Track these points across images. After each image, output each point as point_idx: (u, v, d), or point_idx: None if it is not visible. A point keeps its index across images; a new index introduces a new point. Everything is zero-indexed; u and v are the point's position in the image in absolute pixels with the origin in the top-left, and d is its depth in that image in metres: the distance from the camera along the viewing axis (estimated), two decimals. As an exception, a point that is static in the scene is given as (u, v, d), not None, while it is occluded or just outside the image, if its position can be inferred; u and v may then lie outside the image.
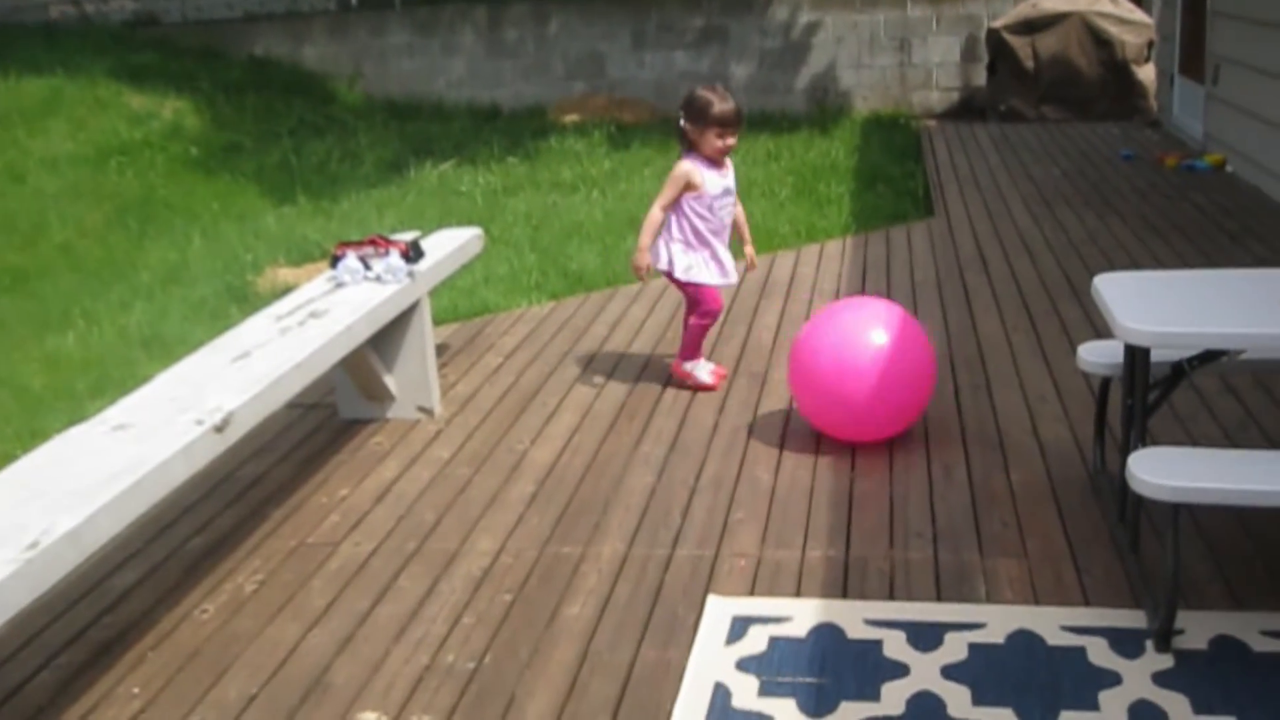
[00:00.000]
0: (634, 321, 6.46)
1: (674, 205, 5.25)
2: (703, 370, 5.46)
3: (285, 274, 8.19)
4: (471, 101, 14.07)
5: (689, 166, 5.19)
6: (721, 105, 5.09)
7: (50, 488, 3.25)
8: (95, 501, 3.14)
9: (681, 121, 5.23)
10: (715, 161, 5.22)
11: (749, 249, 5.56)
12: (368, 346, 4.82)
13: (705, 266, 5.29)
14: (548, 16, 14.10)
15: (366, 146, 11.96)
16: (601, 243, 8.23)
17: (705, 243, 5.26)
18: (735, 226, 5.45)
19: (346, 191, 10.52)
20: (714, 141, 5.15)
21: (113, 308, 7.97)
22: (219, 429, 3.62)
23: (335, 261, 5.00)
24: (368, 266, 4.95)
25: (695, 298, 5.37)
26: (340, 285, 4.92)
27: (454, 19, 14.18)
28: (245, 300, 7.74)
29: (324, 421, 5.29)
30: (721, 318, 6.08)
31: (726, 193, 5.26)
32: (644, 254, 5.30)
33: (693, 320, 5.40)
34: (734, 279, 5.41)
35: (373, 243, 5.02)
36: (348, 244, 5.07)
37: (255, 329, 4.49)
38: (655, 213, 5.28)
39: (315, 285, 4.98)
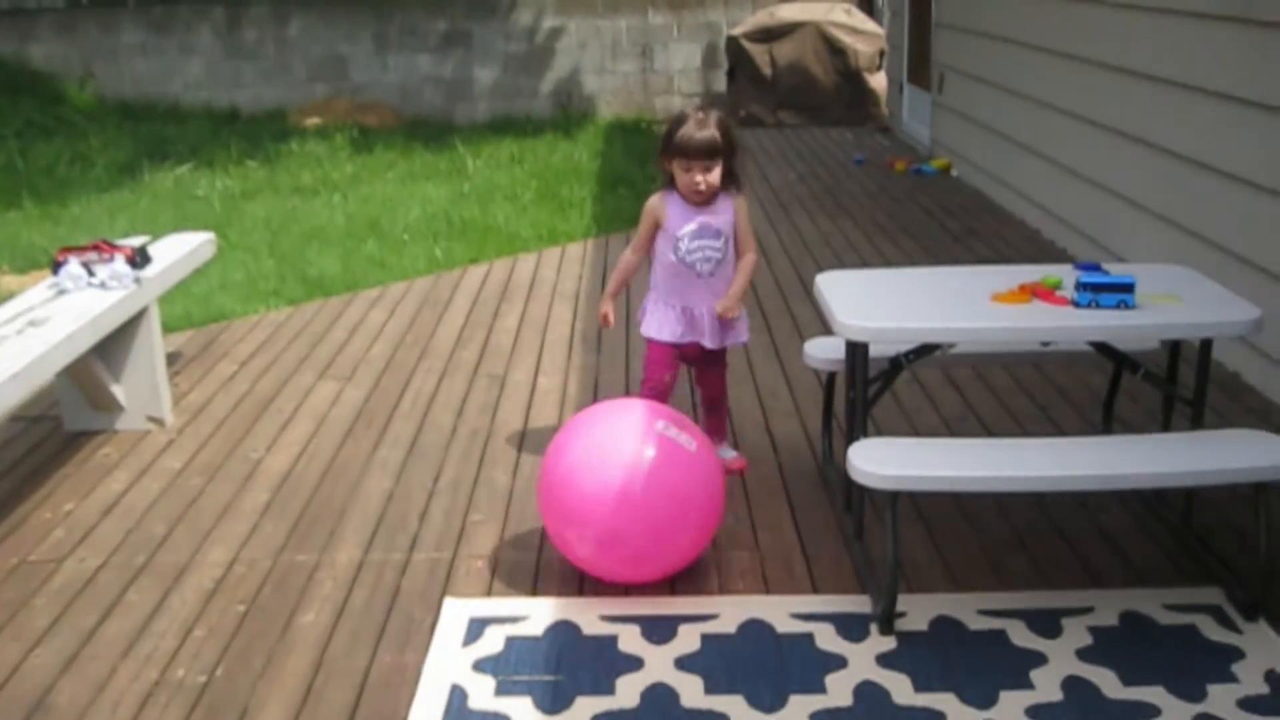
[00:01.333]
0: (373, 326, 6.40)
1: (647, 246, 4.48)
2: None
3: (9, 282, 7.83)
4: (210, 103, 13.71)
5: (655, 200, 4.39)
6: (686, 131, 4.21)
7: None
8: None
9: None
10: (691, 199, 4.32)
11: (725, 301, 4.36)
12: (93, 355, 4.66)
13: (656, 317, 4.44)
14: (288, 17, 13.83)
15: (98, 149, 11.53)
16: (342, 247, 8.12)
17: (673, 292, 4.39)
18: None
19: (76, 196, 10.13)
20: (680, 174, 4.28)
21: None
22: (-74, 444, 3.46)
23: (57, 268, 4.82)
24: (91, 273, 4.79)
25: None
26: (63, 292, 4.74)
27: (191, 18, 13.79)
28: (-36, 310, 7.38)
29: (49, 434, 5.09)
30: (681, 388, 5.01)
31: (701, 234, 4.30)
32: (606, 300, 4.57)
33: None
34: (698, 339, 4.41)
35: (96, 248, 4.86)
36: (70, 249, 4.90)
37: (-32, 339, 4.29)
38: (625, 255, 4.58)
39: (35, 293, 4.79)
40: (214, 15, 13.81)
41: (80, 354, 4.44)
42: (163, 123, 12.78)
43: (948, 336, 3.84)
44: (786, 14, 13.15)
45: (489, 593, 3.80)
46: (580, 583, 3.85)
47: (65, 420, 5.10)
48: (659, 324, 4.41)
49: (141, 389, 5.00)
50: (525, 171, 10.60)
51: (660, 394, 4.44)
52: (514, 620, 3.64)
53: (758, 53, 13.07)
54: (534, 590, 3.80)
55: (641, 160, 10.91)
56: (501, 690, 3.32)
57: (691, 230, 4.30)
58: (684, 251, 4.32)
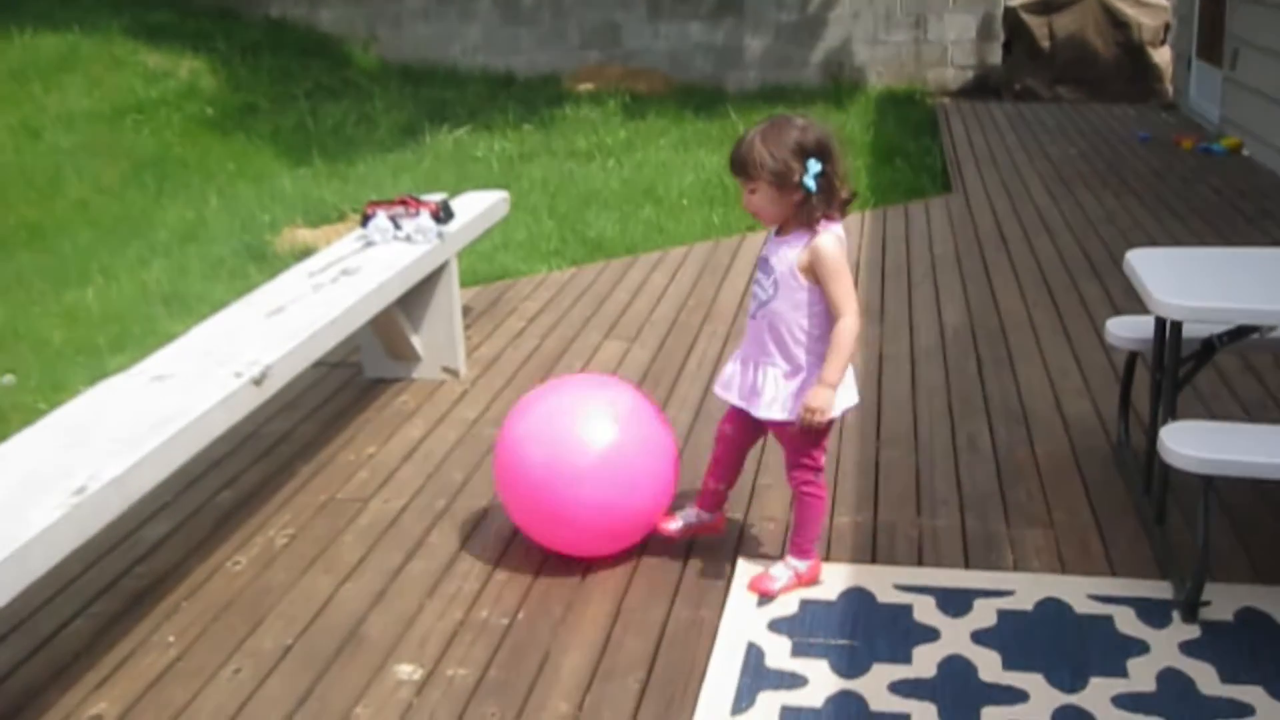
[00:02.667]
0: (655, 288, 6.47)
1: None
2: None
3: (303, 235, 8.20)
4: (486, 68, 14.04)
5: None
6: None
7: (94, 435, 3.28)
8: (139, 450, 3.17)
9: None
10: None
11: (809, 396, 3.46)
12: (396, 306, 4.83)
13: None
14: (565, -16, 14.06)
15: (382, 111, 11.94)
16: (619, 211, 8.23)
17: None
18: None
19: (362, 155, 10.52)
20: None
21: (131, 264, 7.97)
22: (257, 382, 3.65)
23: (366, 220, 5.01)
24: (398, 226, 4.97)
25: None
26: (370, 244, 4.93)
27: (471, -15, 14.14)
28: (264, 260, 7.76)
29: (349, 380, 5.31)
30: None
31: (761, 264, 3.58)
32: None
33: None
34: (728, 397, 3.67)
35: (403, 202, 5.03)
36: (378, 203, 5.08)
37: (288, 285, 4.50)
38: None
39: (345, 243, 4.99)
40: (494, -18, 14.14)
41: (388, 304, 4.61)
42: (442, 86, 13.13)
43: (1271, 319, 3.68)
44: (1069, -15, 12.75)
45: (780, 555, 3.80)
46: (872, 550, 3.83)
47: (365, 367, 5.32)
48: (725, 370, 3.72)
49: (439, 341, 5.16)
50: (797, 141, 10.53)
51: (718, 449, 3.81)
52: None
53: (1036, 25, 12.72)
54: (826, 556, 3.80)
55: (915, 133, 10.75)
56: (797, 651, 3.33)
57: (759, 259, 3.63)
58: (754, 289, 3.63)
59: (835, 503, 4.12)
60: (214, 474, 4.50)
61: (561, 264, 7.05)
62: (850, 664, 3.28)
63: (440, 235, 4.93)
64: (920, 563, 3.77)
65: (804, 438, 3.54)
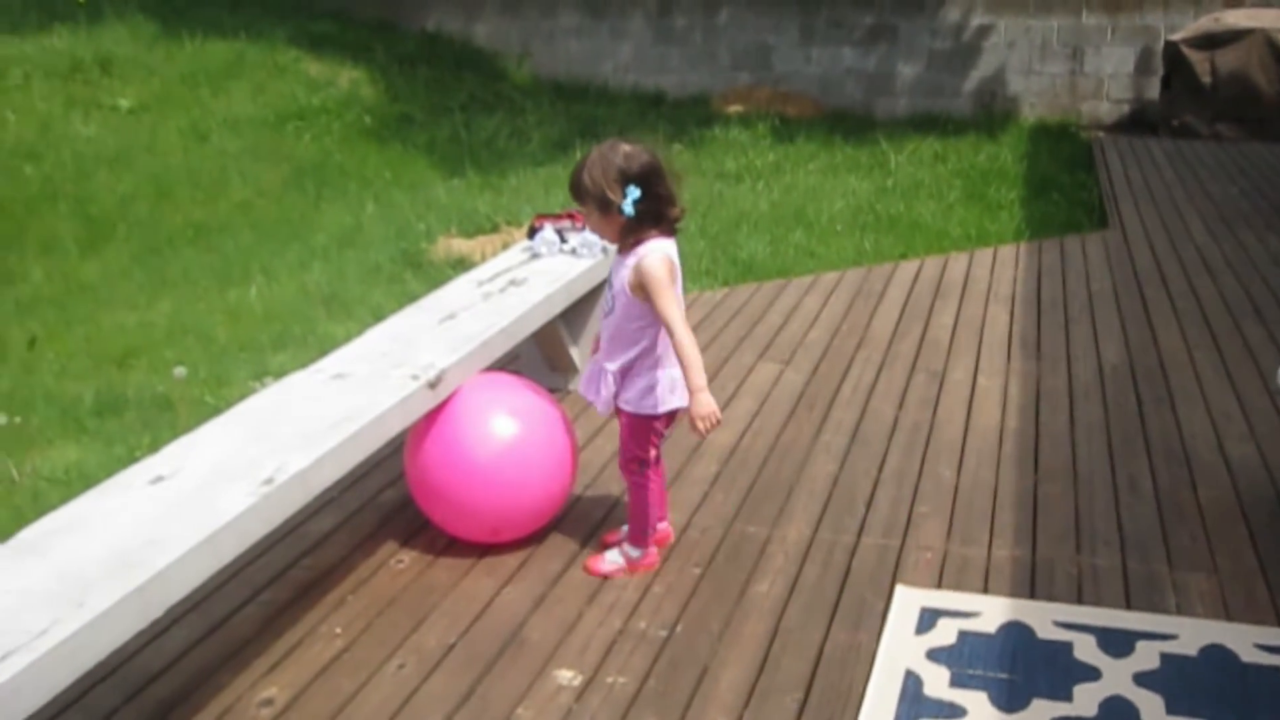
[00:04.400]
0: (808, 312, 6.49)
1: None
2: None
3: (458, 244, 8.35)
4: (636, 86, 14.15)
5: None
6: None
7: (277, 430, 3.39)
8: (322, 445, 3.27)
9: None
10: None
11: (693, 403, 3.69)
12: (559, 318, 4.91)
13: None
14: (718, 6, 14.11)
15: (534, 125, 12.10)
16: (770, 233, 8.26)
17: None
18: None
19: (514, 168, 10.67)
20: None
21: (291, 265, 8.19)
22: (432, 385, 3.73)
23: (533, 233, 5.10)
24: (564, 239, 5.05)
25: None
26: (536, 256, 5.02)
27: (624, 4, 14.26)
28: (419, 267, 7.91)
29: (507, 388, 5.40)
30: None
31: (608, 283, 3.89)
32: None
33: None
34: (584, 394, 3.96)
35: (570, 216, 5.11)
36: (545, 216, 5.17)
37: (458, 292, 4.60)
38: None
39: (512, 254, 5.08)
40: (646, 2, 14.24)
41: (553, 316, 4.69)
42: (593, 103, 13.28)
43: None
44: (1233, 20, 12.48)
45: (939, 584, 3.80)
46: (1031, 585, 3.80)
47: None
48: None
49: (597, 353, 5.22)
50: (948, 170, 10.49)
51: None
52: (966, 615, 3.64)
53: (1197, 60, 12.46)
54: (984, 588, 3.78)
55: (1070, 166, 10.62)
56: (956, 682, 3.32)
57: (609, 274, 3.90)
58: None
59: (993, 536, 4.10)
60: (377, 473, 4.60)
61: (713, 284, 7.09)
62: (1010, 698, 3.26)
63: (604, 250, 5.00)
64: (1080, 600, 3.73)
65: (633, 433, 3.85)
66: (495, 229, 8.68)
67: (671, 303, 3.62)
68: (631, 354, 3.75)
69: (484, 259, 7.62)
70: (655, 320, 3.68)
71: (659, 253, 3.63)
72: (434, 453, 3.87)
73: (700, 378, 3.64)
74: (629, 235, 3.66)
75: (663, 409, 3.78)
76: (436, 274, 7.62)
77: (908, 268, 7.33)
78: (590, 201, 3.63)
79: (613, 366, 3.79)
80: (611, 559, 3.95)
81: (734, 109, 13.36)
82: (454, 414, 3.89)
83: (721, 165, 10.83)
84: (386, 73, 12.83)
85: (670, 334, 3.64)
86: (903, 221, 8.56)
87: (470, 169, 10.65)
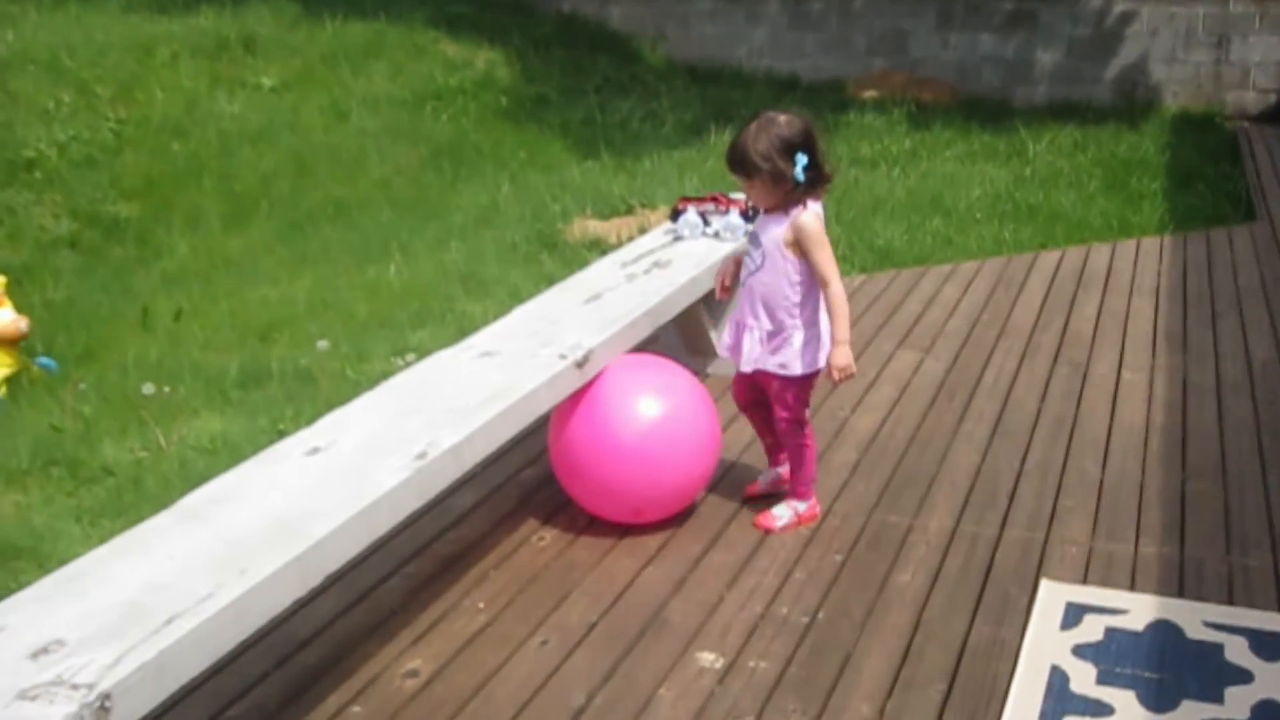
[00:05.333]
0: (947, 301, 6.42)
1: None
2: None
3: (593, 226, 8.38)
4: (770, 71, 14.07)
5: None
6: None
7: (429, 405, 3.44)
8: (474, 421, 3.32)
9: None
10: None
11: (833, 354, 3.89)
12: (700, 301, 4.91)
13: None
14: (855, -9, 14.01)
15: (668, 108, 12.10)
16: (907, 221, 8.17)
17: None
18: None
19: (648, 150, 10.68)
20: None
21: (429, 244, 8.30)
22: (580, 365, 3.76)
23: (676, 215, 5.10)
24: (707, 222, 5.04)
25: None
26: (679, 239, 5.02)
27: (759, -12, 14.22)
28: (555, 248, 7.96)
29: (645, 370, 5.41)
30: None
31: (752, 239, 4.03)
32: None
33: None
34: (723, 353, 4.22)
35: (714, 199, 5.10)
36: (689, 199, 5.17)
37: (602, 273, 4.63)
38: None
39: (655, 236, 5.09)
40: (782, -14, 14.18)
41: (696, 299, 4.69)
42: (727, 87, 13.23)
43: None
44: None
45: (1084, 580, 3.74)
46: (1179, 584, 3.73)
47: (662, 359, 5.42)
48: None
49: (736, 338, 5.22)
50: (1088, 159, 10.28)
51: (741, 410, 4.26)
52: (1113, 612, 3.58)
53: (1351, 50, 12.10)
54: (1131, 586, 3.72)
55: (1215, 158, 10.36)
56: (1103, 680, 3.27)
57: (750, 232, 4.11)
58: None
59: (1139, 532, 4.02)
60: (517, 450, 4.64)
61: (850, 270, 7.03)
62: (1159, 698, 3.20)
63: (748, 233, 4.98)
64: (1231, 601, 3.65)
65: (789, 395, 3.97)
66: (630, 211, 8.70)
67: (829, 255, 3.82)
68: (780, 312, 3.88)
69: (619, 241, 7.66)
70: (804, 278, 3.85)
71: (814, 212, 3.83)
72: (579, 432, 3.91)
73: (847, 330, 3.84)
74: (793, 201, 3.80)
75: (820, 365, 3.93)
76: (572, 255, 7.66)
77: (1048, 258, 7.21)
78: (762, 175, 3.74)
79: (760, 325, 3.91)
80: (780, 513, 4.07)
81: (869, 94, 13.23)
82: (600, 394, 3.91)
83: (856, 151, 10.73)
84: (522, 54, 12.91)
85: (825, 285, 3.81)
86: (1042, 211, 8.41)
87: (605, 151, 10.68)
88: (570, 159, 10.52)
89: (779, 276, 3.85)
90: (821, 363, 3.93)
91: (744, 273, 3.98)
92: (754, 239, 3.96)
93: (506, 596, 3.71)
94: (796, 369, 3.92)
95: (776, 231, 3.84)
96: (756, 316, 3.92)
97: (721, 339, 4.15)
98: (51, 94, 10.55)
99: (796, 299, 3.87)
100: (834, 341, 3.84)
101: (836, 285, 3.82)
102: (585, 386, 3.90)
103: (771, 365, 3.93)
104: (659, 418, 3.91)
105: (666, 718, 3.13)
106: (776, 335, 3.90)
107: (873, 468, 4.50)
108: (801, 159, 3.72)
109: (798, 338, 3.89)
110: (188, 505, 2.95)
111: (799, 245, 3.80)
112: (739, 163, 3.77)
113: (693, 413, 4.00)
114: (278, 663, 3.42)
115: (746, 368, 3.97)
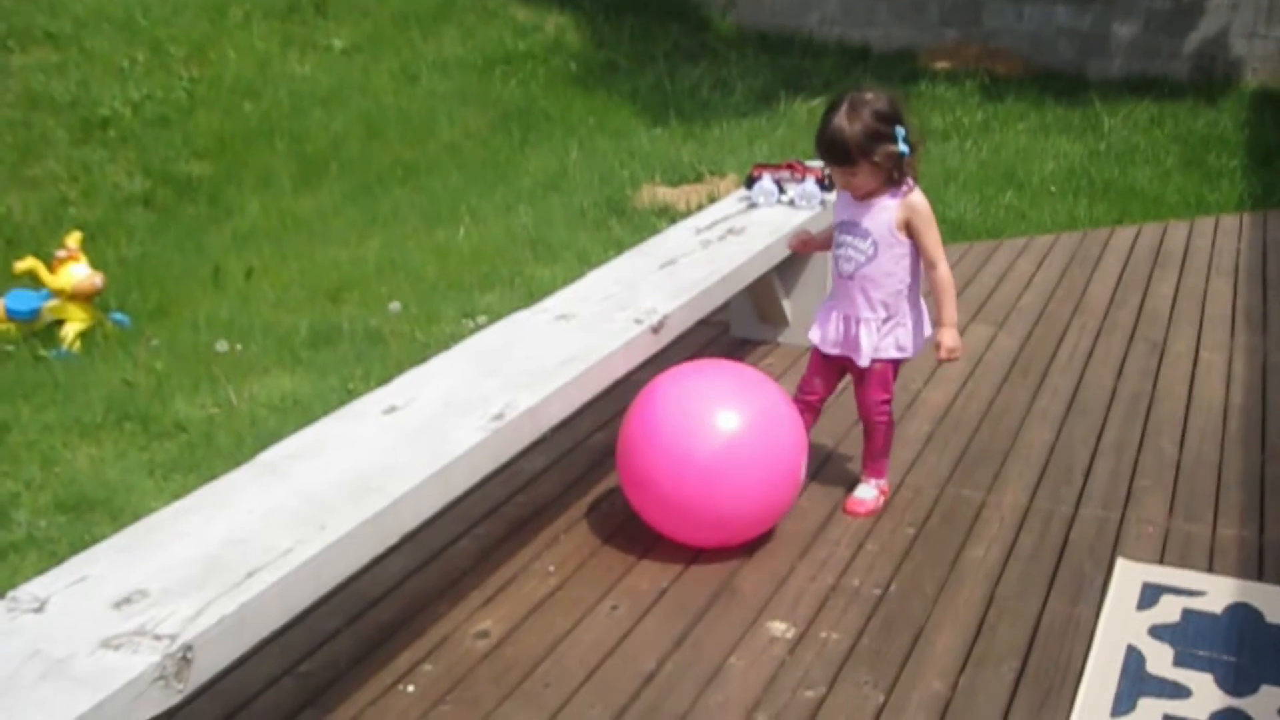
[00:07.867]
0: (1021, 275, 6.34)
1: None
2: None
3: (662, 193, 8.35)
4: (842, 39, 13.94)
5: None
6: (823, 122, 3.72)
7: (505, 366, 3.44)
8: (551, 383, 3.31)
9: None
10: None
11: (942, 335, 3.85)
12: (774, 270, 4.88)
13: (818, 320, 4.04)
14: (930, -40, 13.84)
15: (738, 76, 12.02)
16: (979, 193, 8.08)
17: (834, 295, 4.00)
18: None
19: (718, 118, 10.62)
20: None
21: (497, 207, 8.30)
22: (655, 330, 3.75)
23: (751, 182, 5.06)
24: (782, 190, 5.01)
25: None
26: (754, 206, 4.99)
27: (832, -44, 14.07)
28: (623, 214, 7.94)
29: (716, 337, 5.40)
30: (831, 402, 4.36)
31: (847, 229, 3.85)
32: (792, 240, 4.43)
33: None
34: (849, 354, 3.93)
35: (789, 167, 5.06)
36: (764, 165, 5.13)
37: (677, 239, 4.60)
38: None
39: (729, 203, 5.06)
40: (855, -46, 14.03)
41: (770, 267, 4.66)
42: (798, 55, 13.12)
43: None
44: None
45: (1160, 560, 3.70)
46: (1259, 568, 3.67)
47: (732, 327, 5.39)
48: (818, 328, 4.00)
49: (809, 307, 5.16)
50: (1165, 135, 10.12)
51: (805, 406, 4.02)
52: (1191, 594, 3.53)
53: None
54: (1209, 567, 3.67)
55: (1297, 135, 10.18)
56: (1180, 661, 3.23)
57: (841, 223, 3.88)
58: (835, 245, 3.91)
59: (1217, 514, 3.96)
60: (586, 415, 4.62)
61: (922, 242, 6.97)
62: (1238, 682, 3.16)
63: (824, 202, 4.94)
64: (1310, 585, 3.60)
65: (882, 379, 3.91)
66: (699, 178, 8.66)
67: (938, 236, 3.81)
68: (895, 298, 3.83)
69: (688, 208, 7.63)
70: (914, 259, 3.81)
71: (918, 191, 3.77)
72: (652, 458, 3.60)
73: (955, 311, 3.82)
74: (894, 181, 3.71)
75: (920, 345, 3.93)
76: (641, 221, 7.64)
77: (1124, 234, 7.11)
78: (870, 158, 3.63)
79: (876, 316, 3.85)
80: (866, 495, 4.03)
81: (941, 65, 13.08)
82: (676, 420, 3.58)
83: (928, 122, 10.61)
84: (592, 20, 12.86)
85: (933, 266, 3.78)
86: (1117, 186, 8.29)
87: (674, 118, 10.63)
88: (639, 125, 10.48)
89: (893, 262, 3.77)
90: (922, 343, 3.93)
91: (848, 266, 3.82)
92: (854, 229, 3.79)
93: (577, 560, 3.71)
94: (910, 350, 3.90)
95: (885, 217, 3.73)
96: (873, 309, 3.82)
97: (812, 330, 4.01)
98: (126, 53, 10.61)
99: (910, 280, 3.83)
100: (942, 323, 3.80)
101: (944, 266, 3.79)
102: (661, 406, 3.62)
103: (890, 350, 3.87)
104: (739, 455, 3.56)
105: (738, 686, 3.12)
106: (889, 320, 3.84)
107: (945, 441, 4.46)
108: (899, 130, 3.63)
109: (910, 319, 3.87)
110: (266, 460, 2.96)
111: (910, 225, 3.74)
112: (840, 153, 3.64)
113: (775, 446, 3.64)
114: (349, 619, 3.44)
115: (864, 361, 3.87)
